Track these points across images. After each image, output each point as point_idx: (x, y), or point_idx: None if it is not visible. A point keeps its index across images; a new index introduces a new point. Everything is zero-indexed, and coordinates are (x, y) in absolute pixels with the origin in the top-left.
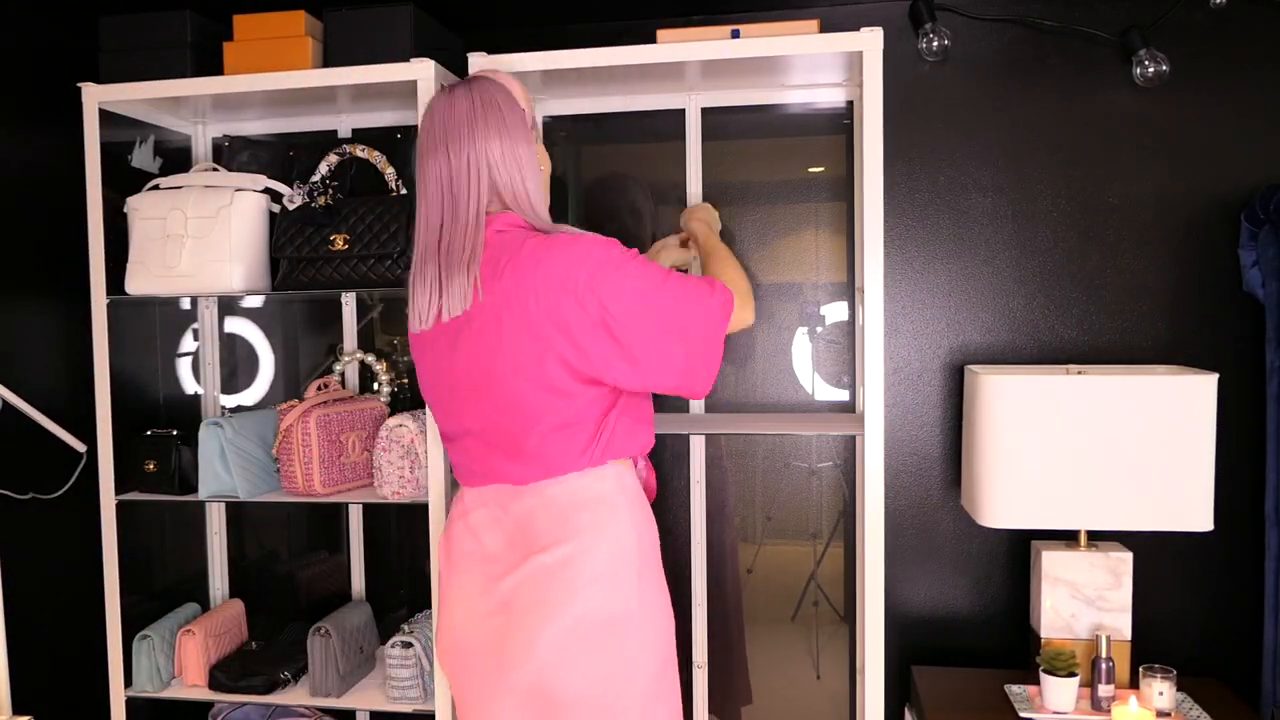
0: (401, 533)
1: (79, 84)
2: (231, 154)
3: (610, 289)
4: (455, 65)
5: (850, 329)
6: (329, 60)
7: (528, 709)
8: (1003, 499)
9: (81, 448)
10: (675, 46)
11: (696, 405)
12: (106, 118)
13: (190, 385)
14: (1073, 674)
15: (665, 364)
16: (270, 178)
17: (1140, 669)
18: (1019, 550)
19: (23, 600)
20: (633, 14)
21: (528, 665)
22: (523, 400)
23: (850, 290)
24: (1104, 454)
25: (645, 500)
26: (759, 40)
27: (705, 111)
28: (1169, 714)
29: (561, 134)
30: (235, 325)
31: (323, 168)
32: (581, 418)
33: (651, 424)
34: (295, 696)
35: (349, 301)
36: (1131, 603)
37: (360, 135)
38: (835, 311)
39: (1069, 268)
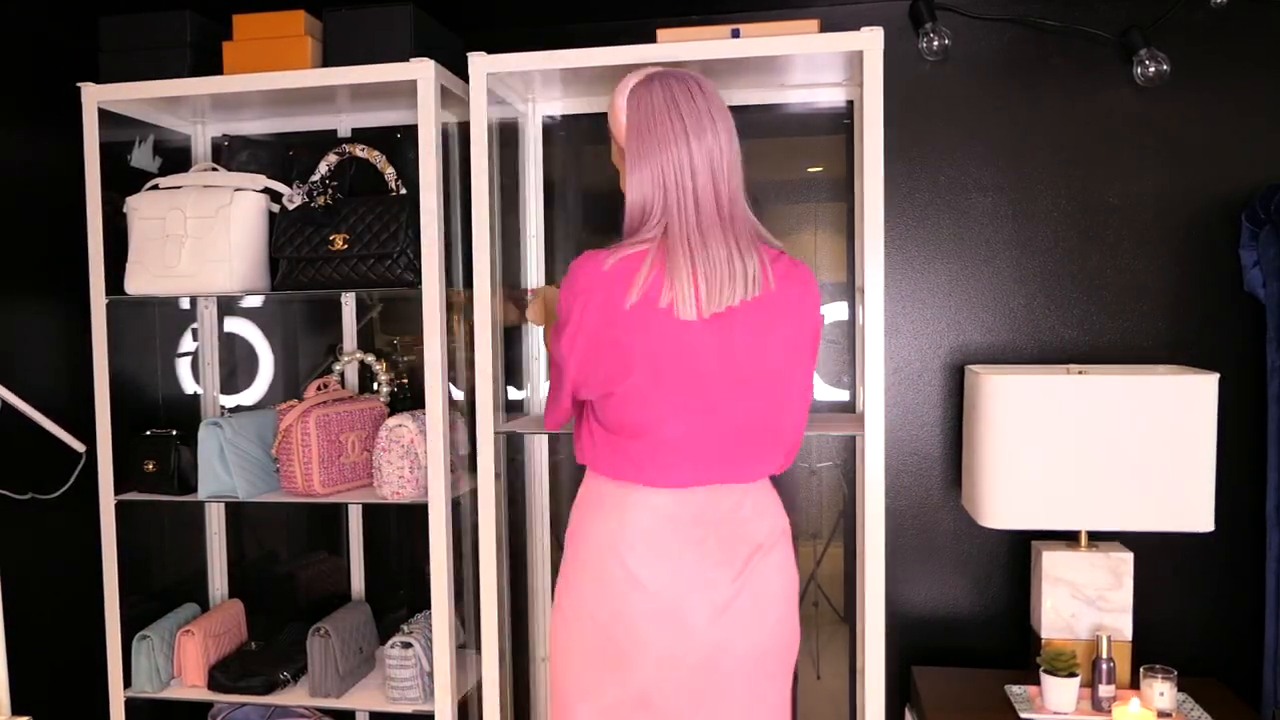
0: (401, 533)
1: (79, 84)
2: (231, 154)
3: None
4: (455, 65)
5: (850, 329)
6: (329, 60)
7: (752, 674)
8: (1003, 499)
9: (81, 448)
10: (675, 46)
11: None
12: (106, 118)
13: (190, 385)
14: (1073, 674)
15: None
16: (270, 177)
17: (1141, 669)
18: (1019, 550)
19: (23, 600)
20: (633, 14)
21: (770, 644)
22: (787, 394)
23: (850, 290)
24: (1105, 454)
25: None
26: (759, 40)
27: None
28: (1170, 714)
29: (561, 134)
30: (235, 325)
31: (322, 167)
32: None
33: None
34: (295, 697)
35: (348, 301)
36: (1132, 603)
37: (360, 135)
38: (835, 311)
39: (1069, 267)
